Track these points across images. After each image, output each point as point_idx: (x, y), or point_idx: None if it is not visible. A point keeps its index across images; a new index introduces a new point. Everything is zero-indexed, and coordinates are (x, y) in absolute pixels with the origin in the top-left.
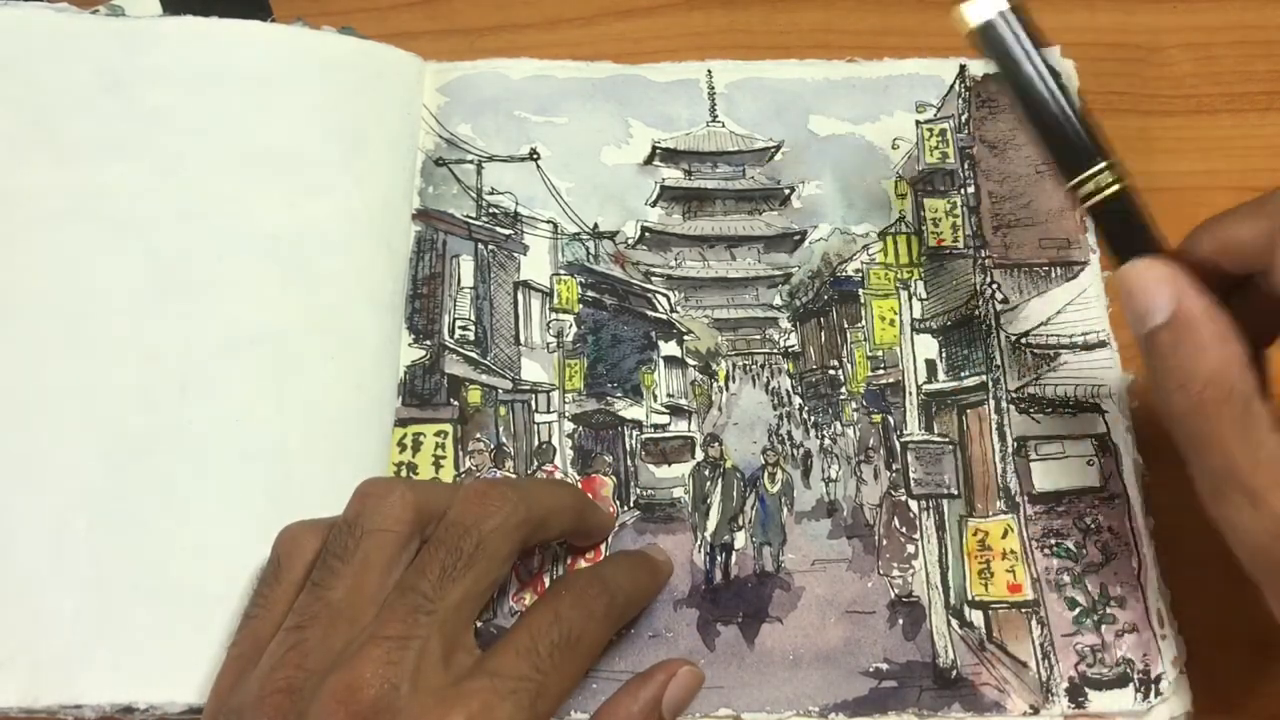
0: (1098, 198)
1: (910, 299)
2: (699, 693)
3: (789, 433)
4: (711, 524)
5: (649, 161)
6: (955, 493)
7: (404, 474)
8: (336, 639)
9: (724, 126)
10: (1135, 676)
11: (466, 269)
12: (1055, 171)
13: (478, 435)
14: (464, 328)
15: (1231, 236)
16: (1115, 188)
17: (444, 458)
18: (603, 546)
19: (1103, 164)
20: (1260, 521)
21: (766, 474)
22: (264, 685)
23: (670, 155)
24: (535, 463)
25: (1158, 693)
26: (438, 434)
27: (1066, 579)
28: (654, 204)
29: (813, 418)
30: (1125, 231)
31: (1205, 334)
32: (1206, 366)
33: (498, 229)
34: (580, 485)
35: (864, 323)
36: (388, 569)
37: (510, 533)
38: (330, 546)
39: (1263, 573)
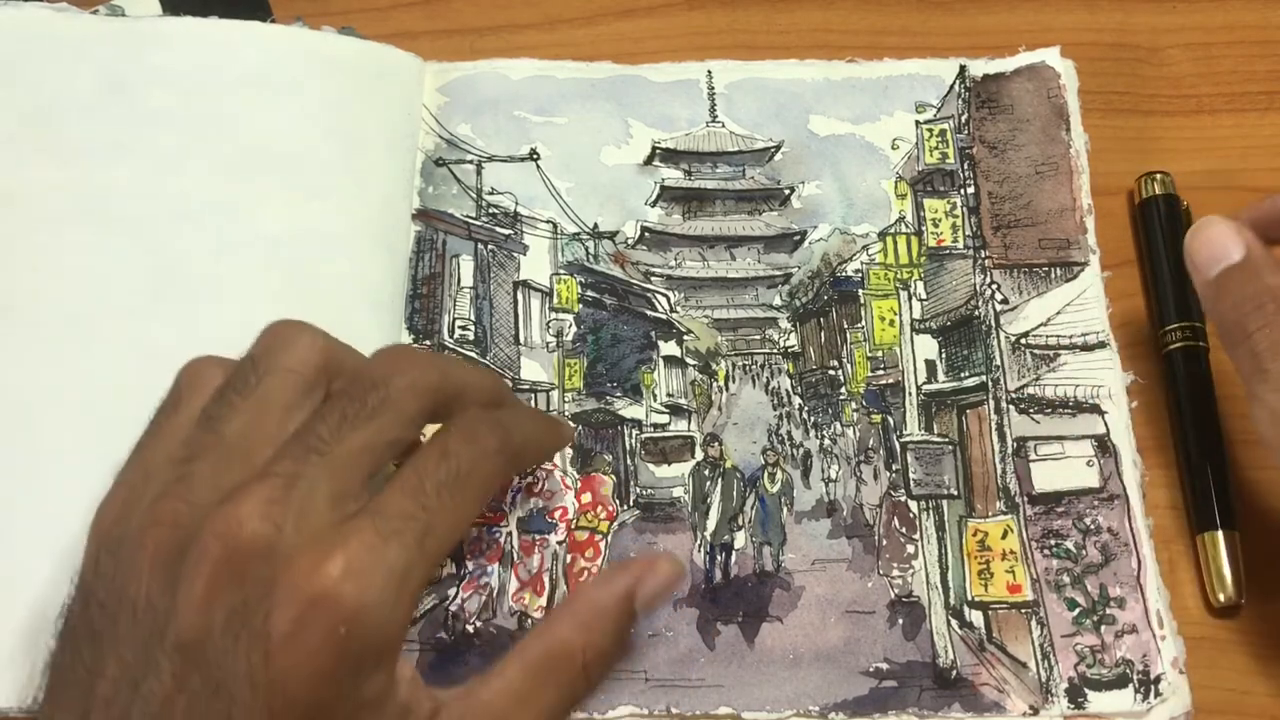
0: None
1: (910, 299)
2: (672, 593)
3: (789, 433)
4: (711, 524)
5: (649, 161)
6: (955, 493)
7: None
8: (227, 475)
9: (724, 127)
10: (1135, 677)
11: (466, 269)
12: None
13: None
14: (464, 327)
15: None
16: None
17: None
18: (601, 544)
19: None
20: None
21: (766, 474)
22: (147, 517)
23: (670, 155)
24: None
25: (1157, 693)
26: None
27: (1066, 579)
28: (654, 204)
29: (812, 418)
30: (1190, 378)
31: (1272, 267)
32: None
33: (498, 229)
34: (580, 484)
35: (864, 323)
36: (288, 410)
37: (419, 393)
38: (231, 381)
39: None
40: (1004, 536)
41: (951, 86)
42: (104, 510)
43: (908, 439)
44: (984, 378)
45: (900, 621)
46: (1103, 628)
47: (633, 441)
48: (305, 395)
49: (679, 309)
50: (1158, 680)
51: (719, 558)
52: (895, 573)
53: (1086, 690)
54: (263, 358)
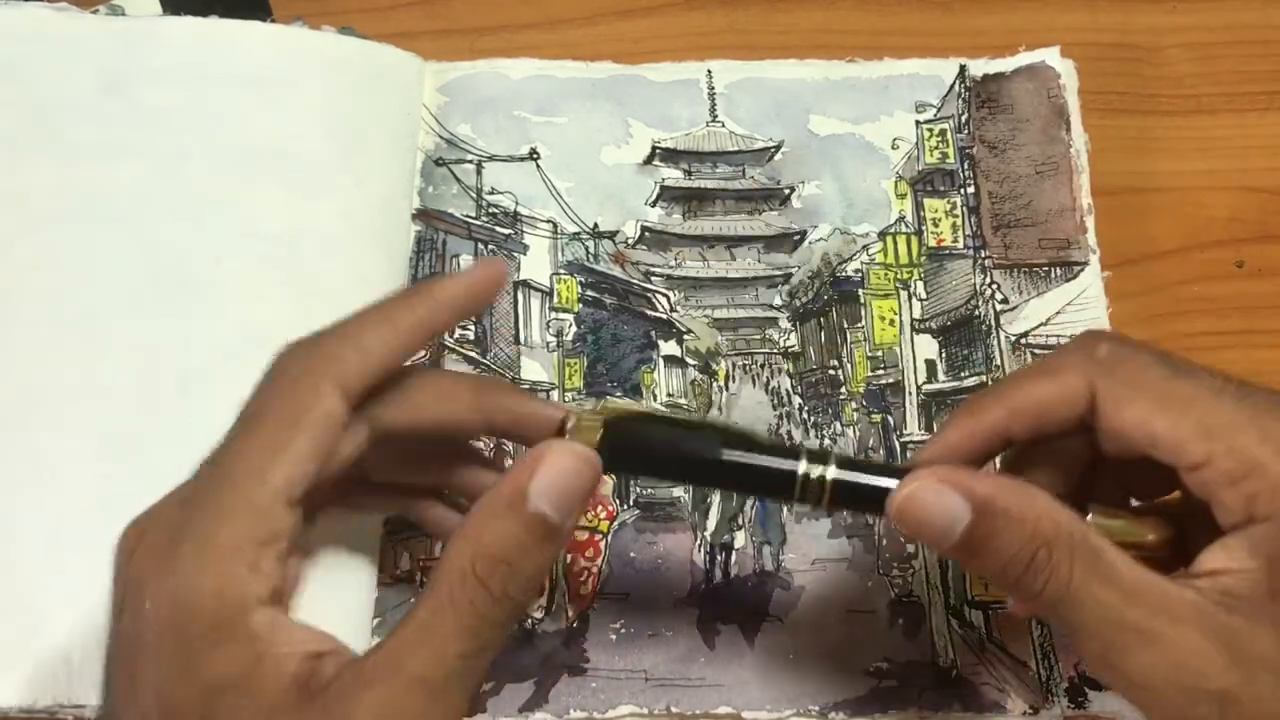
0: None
1: (910, 299)
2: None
3: (789, 433)
4: (711, 523)
5: (649, 161)
6: None
7: None
8: None
9: (724, 126)
10: None
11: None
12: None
13: None
14: (464, 327)
15: (1032, 401)
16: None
17: None
18: (601, 544)
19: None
20: (1161, 656)
21: None
22: None
23: (670, 155)
24: None
25: None
26: None
27: None
28: (654, 204)
29: (812, 418)
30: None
31: (1016, 507)
32: (1036, 530)
33: (497, 229)
34: None
35: (864, 323)
36: None
37: None
38: None
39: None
40: None
41: (951, 86)
42: None
43: (908, 439)
44: (984, 377)
45: (900, 621)
46: None
47: None
48: None
49: (679, 309)
50: None
51: (719, 557)
52: (895, 572)
53: (1087, 689)
54: None
